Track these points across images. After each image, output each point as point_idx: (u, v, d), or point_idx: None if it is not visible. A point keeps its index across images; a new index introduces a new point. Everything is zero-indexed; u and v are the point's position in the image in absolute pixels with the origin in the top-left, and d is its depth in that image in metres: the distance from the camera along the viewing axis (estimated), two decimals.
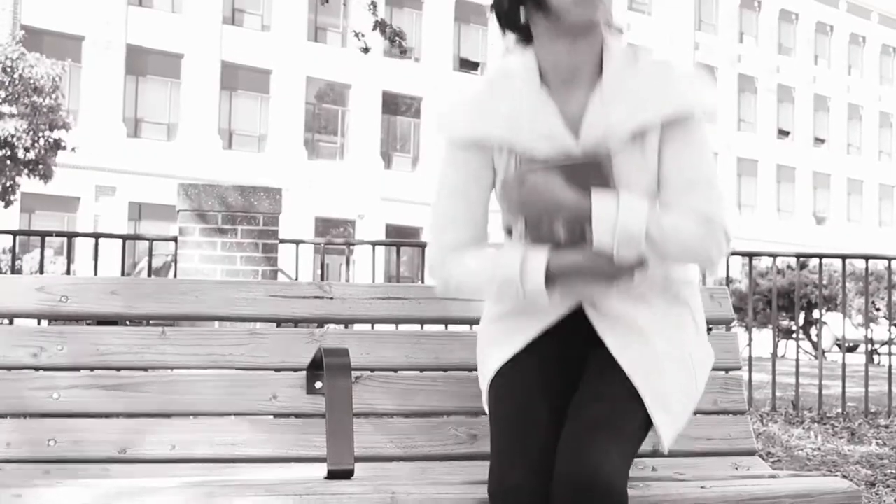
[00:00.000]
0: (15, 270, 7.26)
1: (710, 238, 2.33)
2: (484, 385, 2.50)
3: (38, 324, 3.69)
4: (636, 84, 2.39)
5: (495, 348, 2.48)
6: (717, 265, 2.42)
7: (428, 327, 4.33)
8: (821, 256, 8.47)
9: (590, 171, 2.31)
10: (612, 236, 2.26)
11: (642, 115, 2.35)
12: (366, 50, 10.42)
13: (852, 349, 24.42)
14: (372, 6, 10.54)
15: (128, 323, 6.13)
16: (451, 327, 3.31)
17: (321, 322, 2.97)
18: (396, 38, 10.18)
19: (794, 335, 13.51)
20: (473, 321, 2.81)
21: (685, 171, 2.37)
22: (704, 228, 2.33)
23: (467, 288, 2.49)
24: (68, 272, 7.54)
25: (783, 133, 56.02)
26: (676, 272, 2.48)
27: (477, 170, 2.47)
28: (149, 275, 7.99)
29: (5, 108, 23.14)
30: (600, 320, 2.41)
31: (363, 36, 10.28)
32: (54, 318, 2.77)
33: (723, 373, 3.01)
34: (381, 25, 10.12)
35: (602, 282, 2.37)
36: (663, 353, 2.38)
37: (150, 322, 3.23)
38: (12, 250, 7.25)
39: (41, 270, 7.35)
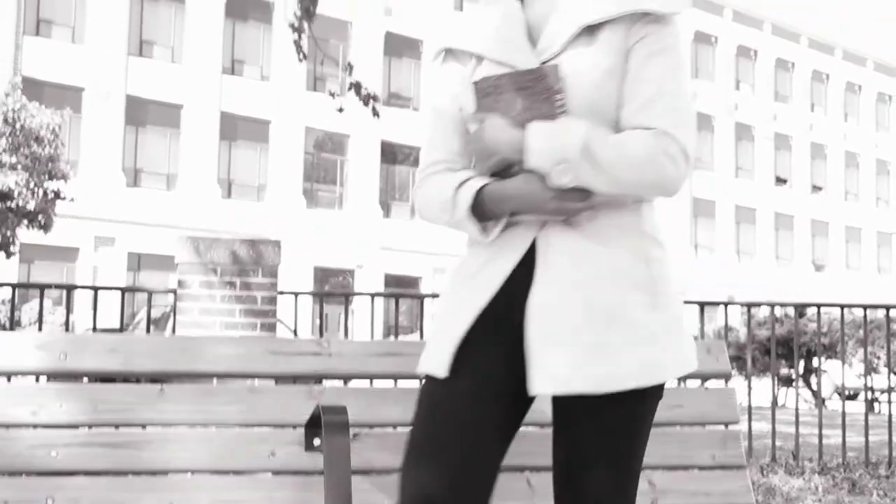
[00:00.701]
0: (14, 321, 7.25)
1: (662, 153, 2.10)
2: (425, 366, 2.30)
3: (37, 381, 3.69)
4: None
5: (448, 320, 2.28)
6: (676, 186, 2.14)
7: None
8: (819, 305, 8.47)
9: (536, 81, 2.18)
10: (548, 157, 2.10)
11: (592, 11, 2.21)
12: (340, 110, 10.49)
13: (852, 397, 24.35)
14: (348, 68, 10.63)
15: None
16: None
17: (319, 378, 2.97)
18: (370, 101, 10.27)
19: (794, 383, 13.53)
20: None
21: (647, 86, 2.17)
22: (655, 142, 2.11)
23: (428, 212, 2.34)
24: (67, 323, 7.54)
25: (781, 181, 56.20)
26: (646, 223, 2.24)
27: (451, 84, 2.38)
28: (147, 326, 7.99)
29: (6, 159, 23.23)
30: (545, 258, 2.19)
31: (338, 95, 10.38)
32: (54, 376, 2.77)
33: (721, 427, 3.01)
34: (356, 87, 10.22)
35: (544, 213, 2.18)
36: (584, 301, 2.14)
37: (149, 379, 3.22)
38: (11, 301, 7.26)
39: (40, 321, 7.35)
